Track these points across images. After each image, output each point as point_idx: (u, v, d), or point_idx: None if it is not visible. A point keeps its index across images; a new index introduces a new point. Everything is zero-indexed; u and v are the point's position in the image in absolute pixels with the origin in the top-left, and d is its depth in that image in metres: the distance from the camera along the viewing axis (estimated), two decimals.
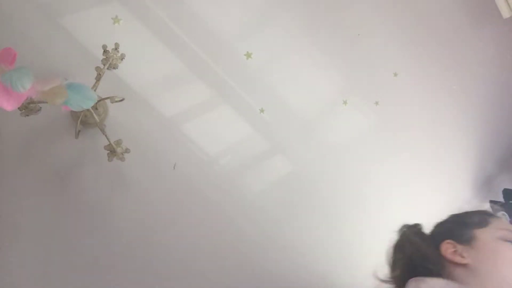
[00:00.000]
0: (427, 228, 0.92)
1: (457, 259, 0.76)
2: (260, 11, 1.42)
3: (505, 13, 1.70)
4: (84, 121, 1.11)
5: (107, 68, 1.11)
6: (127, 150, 1.15)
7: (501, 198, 2.24)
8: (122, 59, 1.15)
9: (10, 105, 0.77)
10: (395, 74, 1.71)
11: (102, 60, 1.11)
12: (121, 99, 1.12)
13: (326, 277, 1.73)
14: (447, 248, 0.79)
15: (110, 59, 1.11)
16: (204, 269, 1.45)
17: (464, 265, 0.74)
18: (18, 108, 0.98)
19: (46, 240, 1.20)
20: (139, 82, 1.27)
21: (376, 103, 1.68)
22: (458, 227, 0.84)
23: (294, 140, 1.56)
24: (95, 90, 1.06)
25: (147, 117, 1.30)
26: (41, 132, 1.16)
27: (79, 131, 1.13)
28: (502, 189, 2.24)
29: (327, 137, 1.62)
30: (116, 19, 1.19)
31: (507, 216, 2.03)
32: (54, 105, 0.88)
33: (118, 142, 1.13)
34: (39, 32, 1.13)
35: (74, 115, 1.13)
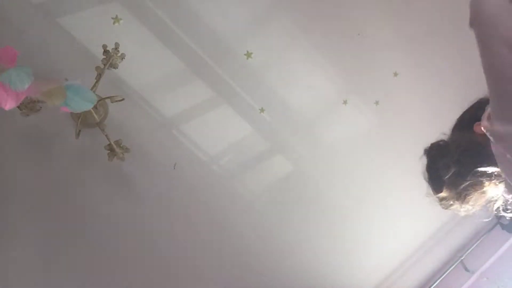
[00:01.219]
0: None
1: (491, 125, 0.79)
2: (260, 11, 1.42)
3: None
4: (84, 121, 1.11)
5: (107, 68, 1.11)
6: (127, 150, 1.15)
7: None
8: (122, 59, 1.15)
9: (8, 104, 0.77)
10: (395, 74, 1.70)
11: (102, 60, 1.11)
12: (121, 99, 1.12)
13: (326, 276, 1.73)
14: (480, 126, 0.85)
15: (110, 59, 1.11)
16: (202, 268, 1.45)
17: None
18: (18, 107, 0.98)
19: (46, 239, 1.20)
20: (139, 82, 1.27)
21: (376, 103, 1.68)
22: (475, 111, 0.92)
23: (294, 140, 1.56)
24: (95, 90, 1.06)
25: (147, 117, 1.30)
26: (41, 132, 1.16)
27: (79, 131, 1.13)
28: None
29: (327, 137, 1.62)
30: (116, 19, 1.19)
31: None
32: (53, 105, 0.88)
33: (118, 142, 1.13)
34: (39, 32, 1.13)
35: (74, 115, 1.13)
